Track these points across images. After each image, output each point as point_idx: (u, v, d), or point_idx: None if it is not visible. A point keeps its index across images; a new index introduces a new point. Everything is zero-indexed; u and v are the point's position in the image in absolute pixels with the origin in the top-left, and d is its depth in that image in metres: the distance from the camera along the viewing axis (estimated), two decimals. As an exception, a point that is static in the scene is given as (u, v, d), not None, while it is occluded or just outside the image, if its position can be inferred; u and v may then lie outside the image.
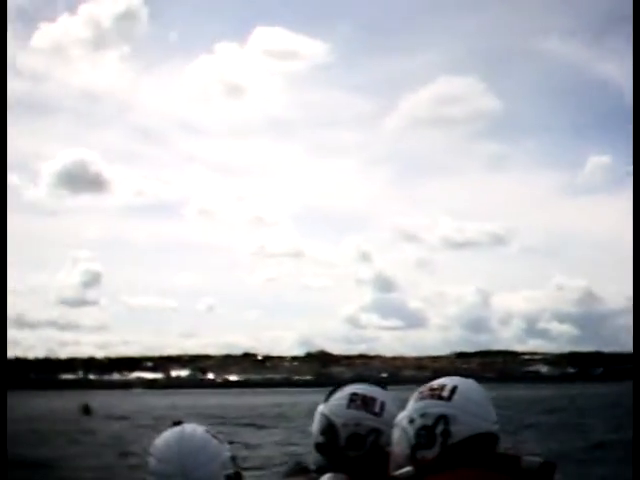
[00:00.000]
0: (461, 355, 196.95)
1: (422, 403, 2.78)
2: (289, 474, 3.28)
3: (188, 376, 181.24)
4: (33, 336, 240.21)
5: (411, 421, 2.76)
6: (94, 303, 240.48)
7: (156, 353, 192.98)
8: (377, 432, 3.13)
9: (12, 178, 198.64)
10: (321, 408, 3.24)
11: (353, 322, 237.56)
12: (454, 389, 2.77)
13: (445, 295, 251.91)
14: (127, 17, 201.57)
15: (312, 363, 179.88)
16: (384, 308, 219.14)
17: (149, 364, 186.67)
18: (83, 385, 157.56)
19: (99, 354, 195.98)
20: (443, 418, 2.71)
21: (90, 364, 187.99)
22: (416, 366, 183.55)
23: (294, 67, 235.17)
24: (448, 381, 2.82)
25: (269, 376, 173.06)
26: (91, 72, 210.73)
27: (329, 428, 3.18)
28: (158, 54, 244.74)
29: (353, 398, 3.18)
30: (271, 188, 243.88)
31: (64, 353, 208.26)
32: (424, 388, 2.83)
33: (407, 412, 2.80)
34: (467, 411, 2.73)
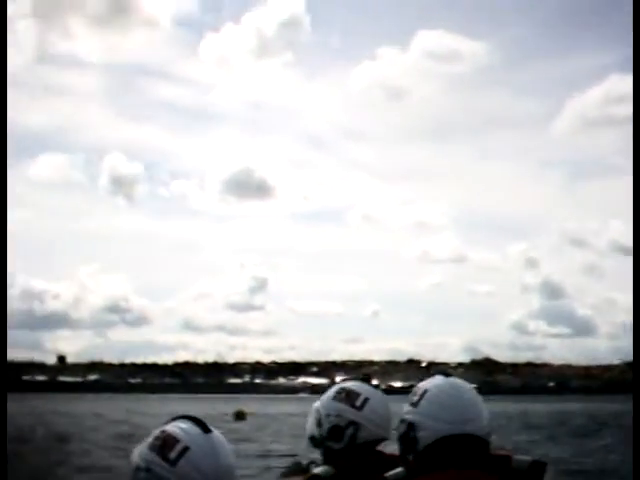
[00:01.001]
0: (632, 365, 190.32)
1: (404, 408, 2.79)
2: (287, 474, 3.39)
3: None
4: (202, 340, 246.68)
5: (399, 425, 2.79)
6: (261, 308, 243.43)
7: (321, 358, 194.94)
8: (355, 425, 3.27)
9: (181, 185, 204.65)
10: (316, 403, 3.38)
11: (519, 329, 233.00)
12: (423, 394, 2.74)
13: (615, 302, 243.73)
14: (290, 24, 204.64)
15: (477, 370, 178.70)
16: (551, 315, 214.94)
17: (314, 369, 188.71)
18: (249, 389, 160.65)
19: (266, 358, 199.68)
20: (411, 425, 2.71)
21: (257, 368, 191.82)
22: (585, 375, 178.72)
23: (456, 69, 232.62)
24: (423, 384, 2.79)
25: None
26: (256, 80, 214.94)
27: (318, 420, 3.34)
28: (321, 60, 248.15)
29: (339, 391, 3.34)
30: (434, 193, 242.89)
31: (232, 357, 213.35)
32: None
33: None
34: (430, 416, 2.68)
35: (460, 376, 2.81)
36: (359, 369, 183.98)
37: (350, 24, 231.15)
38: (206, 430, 2.42)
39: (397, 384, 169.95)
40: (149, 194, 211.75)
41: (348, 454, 3.26)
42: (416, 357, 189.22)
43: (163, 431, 2.44)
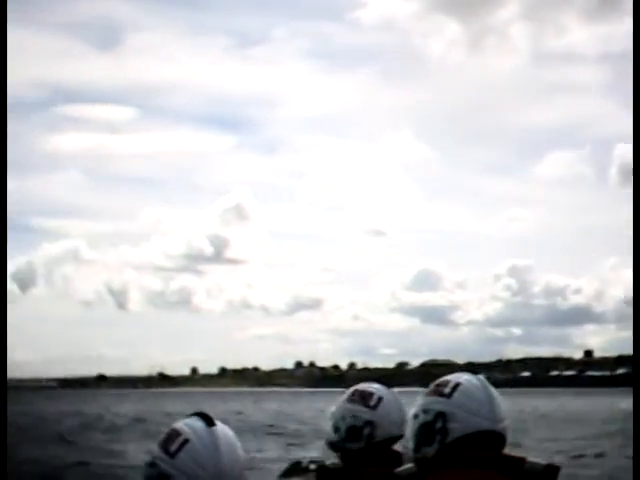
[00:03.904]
0: None
1: (426, 399, 2.79)
2: (286, 474, 3.76)
3: None
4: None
5: (415, 417, 2.79)
6: None
7: None
8: (371, 424, 3.43)
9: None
10: (331, 409, 3.57)
11: None
12: (456, 386, 2.75)
13: None
14: None
15: None
16: None
17: None
18: None
19: None
20: (442, 415, 2.71)
21: None
22: None
23: None
24: (453, 378, 2.80)
25: None
26: None
27: (335, 425, 3.51)
28: None
29: (353, 394, 3.51)
30: None
31: None
32: (432, 384, 2.84)
33: (414, 408, 2.82)
34: (466, 409, 2.70)
35: None
36: None
37: None
38: (210, 424, 2.36)
39: None
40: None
41: (366, 453, 3.40)
42: None
43: (171, 427, 2.41)
